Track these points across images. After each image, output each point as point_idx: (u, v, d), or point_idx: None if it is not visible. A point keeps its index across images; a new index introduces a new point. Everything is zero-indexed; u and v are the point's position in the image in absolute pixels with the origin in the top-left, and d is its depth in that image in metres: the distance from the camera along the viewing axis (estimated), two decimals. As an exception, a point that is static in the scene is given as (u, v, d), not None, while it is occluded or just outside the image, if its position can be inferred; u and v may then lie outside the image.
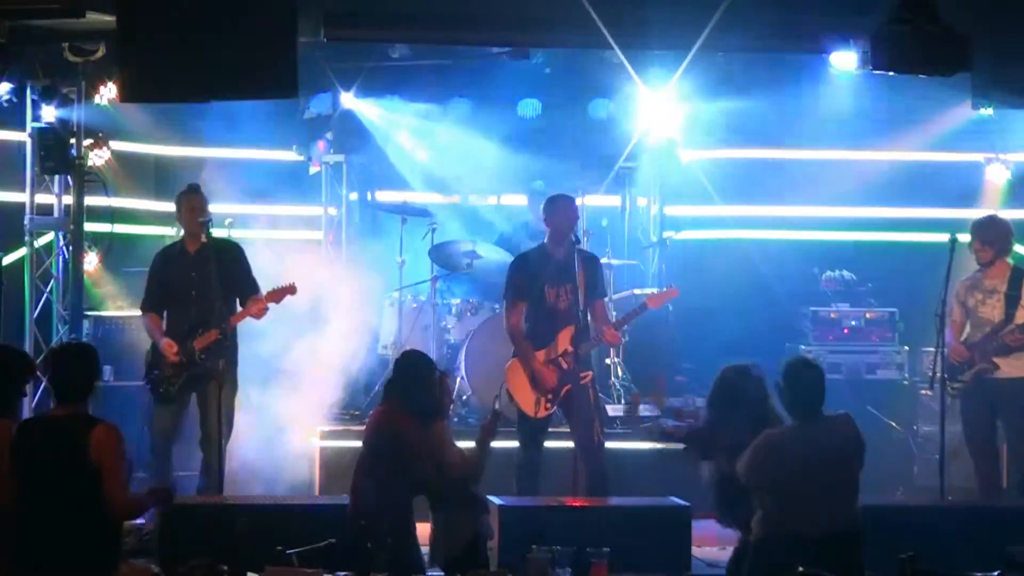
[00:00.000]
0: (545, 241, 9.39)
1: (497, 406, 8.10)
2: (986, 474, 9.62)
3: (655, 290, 11.54)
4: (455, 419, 8.98)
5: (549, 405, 9.18)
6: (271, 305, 9.44)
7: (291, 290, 9.56)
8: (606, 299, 10.12)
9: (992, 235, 9.66)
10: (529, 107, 12.48)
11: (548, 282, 9.20)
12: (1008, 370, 9.49)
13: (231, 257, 9.44)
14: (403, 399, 7.73)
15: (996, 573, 7.44)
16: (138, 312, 9.62)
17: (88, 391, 6.60)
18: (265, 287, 9.76)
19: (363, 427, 10.49)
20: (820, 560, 6.72)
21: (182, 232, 9.63)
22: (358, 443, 10.33)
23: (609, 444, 9.41)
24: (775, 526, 7.07)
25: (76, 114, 10.64)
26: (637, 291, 11.79)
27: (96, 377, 6.70)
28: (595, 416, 9.15)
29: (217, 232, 9.41)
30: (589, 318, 9.27)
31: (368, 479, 7.65)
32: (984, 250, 9.63)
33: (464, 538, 7.63)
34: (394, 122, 12.31)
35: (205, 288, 9.21)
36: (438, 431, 7.73)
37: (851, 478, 7.22)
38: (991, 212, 10.33)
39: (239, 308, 9.43)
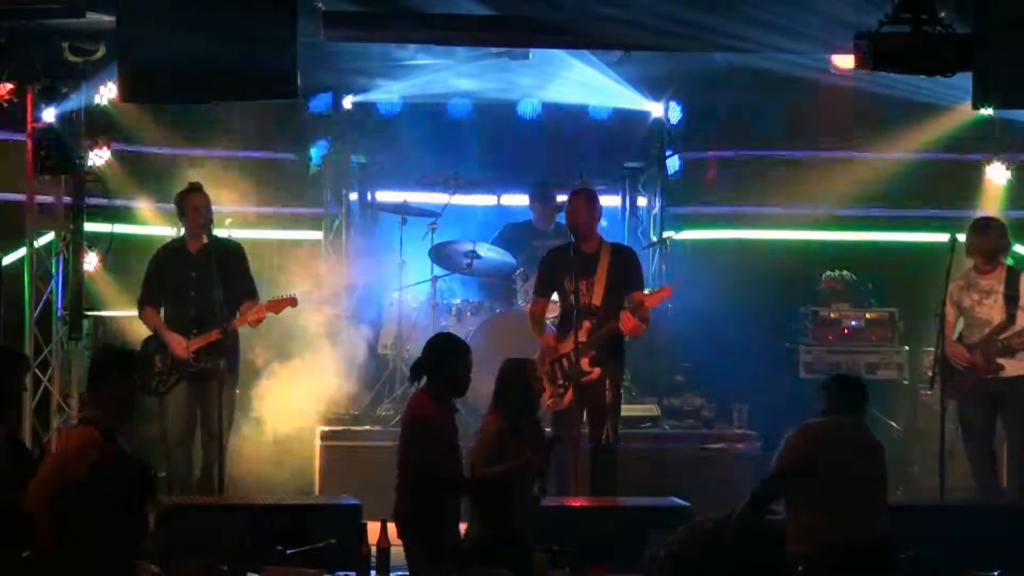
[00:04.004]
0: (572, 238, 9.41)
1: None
2: (984, 476, 9.62)
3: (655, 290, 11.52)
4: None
5: (558, 399, 9.16)
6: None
7: (291, 302, 9.60)
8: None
9: (997, 245, 9.63)
10: (529, 106, 12.46)
11: (568, 277, 9.26)
12: (1011, 369, 9.49)
13: (232, 257, 9.47)
14: (430, 380, 7.60)
15: (996, 573, 7.46)
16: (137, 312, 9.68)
17: None
18: (265, 289, 9.77)
19: (363, 428, 10.67)
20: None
21: (183, 231, 9.67)
22: (358, 443, 10.47)
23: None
24: (817, 533, 7.01)
25: (76, 114, 10.64)
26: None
27: None
28: (608, 414, 9.14)
29: (218, 232, 9.44)
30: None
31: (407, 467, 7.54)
32: (994, 261, 9.60)
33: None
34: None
35: (205, 288, 9.24)
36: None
37: (882, 481, 7.25)
38: (984, 219, 10.23)
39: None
